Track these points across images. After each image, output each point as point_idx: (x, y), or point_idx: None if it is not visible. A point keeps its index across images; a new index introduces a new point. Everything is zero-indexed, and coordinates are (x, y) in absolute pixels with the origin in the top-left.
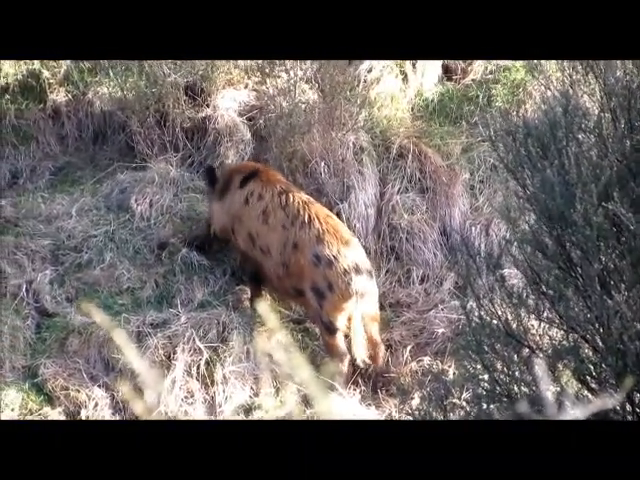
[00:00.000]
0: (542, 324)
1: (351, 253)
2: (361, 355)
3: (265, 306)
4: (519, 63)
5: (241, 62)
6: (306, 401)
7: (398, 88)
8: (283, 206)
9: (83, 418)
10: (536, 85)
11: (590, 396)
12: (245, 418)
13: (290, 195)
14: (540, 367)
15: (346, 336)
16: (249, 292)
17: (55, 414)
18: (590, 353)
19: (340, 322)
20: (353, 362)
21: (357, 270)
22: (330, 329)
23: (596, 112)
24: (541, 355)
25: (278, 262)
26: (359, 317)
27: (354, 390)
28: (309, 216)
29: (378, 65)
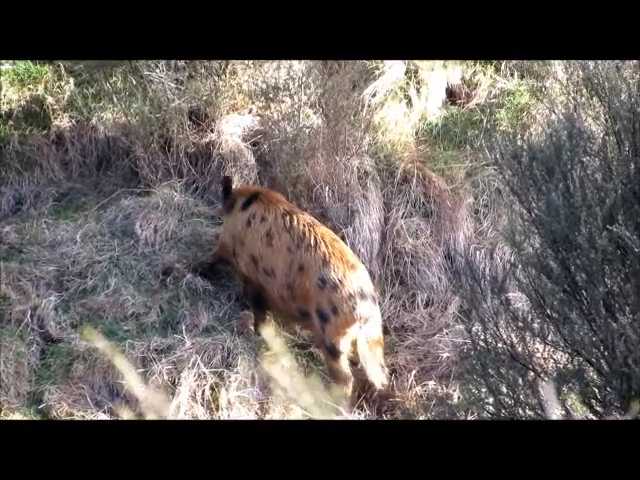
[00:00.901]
0: (547, 347)
1: (356, 278)
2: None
3: (270, 331)
4: (523, 87)
5: (245, 87)
6: None
7: (402, 112)
8: (288, 228)
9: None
10: (540, 109)
11: (595, 419)
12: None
13: (294, 217)
14: (545, 391)
15: (354, 363)
16: (253, 317)
17: None
18: (595, 376)
19: (343, 346)
20: (359, 386)
21: (362, 295)
22: (333, 353)
23: (601, 135)
24: (546, 379)
25: (283, 284)
26: (364, 342)
27: (359, 414)
28: (315, 239)
29: (382, 89)
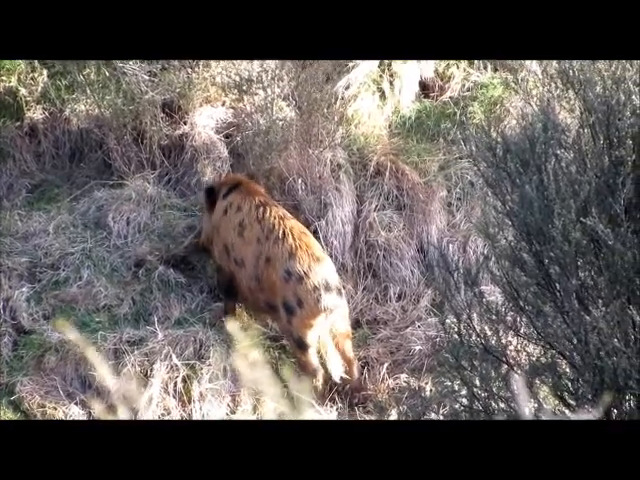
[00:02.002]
0: (520, 340)
1: (322, 270)
2: (337, 371)
3: (236, 324)
4: (496, 80)
5: (218, 79)
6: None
7: (375, 105)
8: (259, 219)
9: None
10: (514, 102)
11: (567, 412)
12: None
13: (267, 208)
14: (517, 384)
15: (320, 354)
16: (223, 307)
17: None
18: (567, 369)
19: (310, 338)
20: (329, 379)
21: (327, 287)
22: (300, 345)
23: (575, 128)
24: (519, 371)
25: (251, 275)
26: (328, 334)
27: (331, 407)
28: (283, 231)
29: (355, 82)
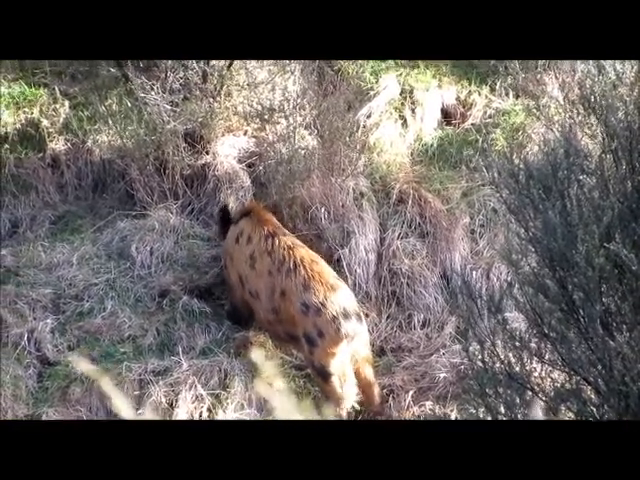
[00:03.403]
0: (544, 366)
1: (338, 299)
2: (350, 399)
3: (260, 353)
4: (518, 106)
5: (240, 109)
6: None
7: (397, 133)
8: (269, 251)
9: None
10: (536, 128)
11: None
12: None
13: (276, 239)
14: (534, 411)
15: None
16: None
17: None
18: (592, 395)
19: (333, 367)
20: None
21: (345, 315)
22: (323, 374)
23: (597, 153)
24: (543, 398)
25: (268, 308)
26: (348, 360)
27: None
28: (294, 262)
29: (377, 110)
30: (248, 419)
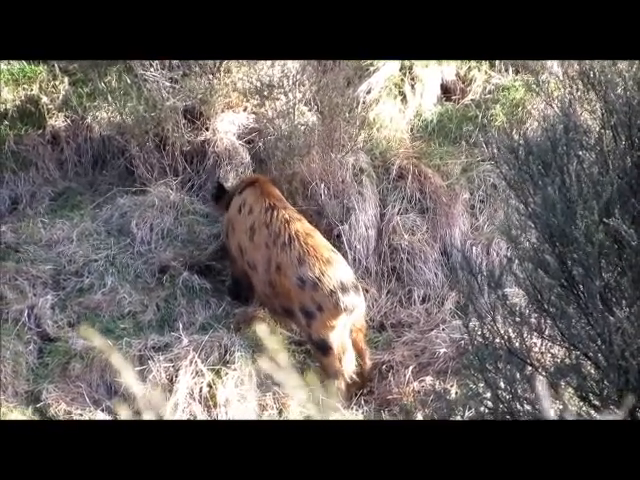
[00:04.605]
0: (544, 342)
1: (334, 272)
2: (350, 371)
3: (264, 328)
4: (518, 82)
5: (239, 85)
6: None
7: (397, 109)
8: (267, 224)
9: None
10: (535, 104)
11: (592, 413)
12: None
13: (275, 212)
14: (540, 386)
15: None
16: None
17: None
18: (592, 370)
19: (332, 339)
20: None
21: (343, 288)
22: (322, 347)
23: (597, 129)
24: (543, 373)
25: (265, 281)
26: (347, 333)
27: (357, 410)
28: (289, 236)
29: (376, 86)
30: (246, 419)
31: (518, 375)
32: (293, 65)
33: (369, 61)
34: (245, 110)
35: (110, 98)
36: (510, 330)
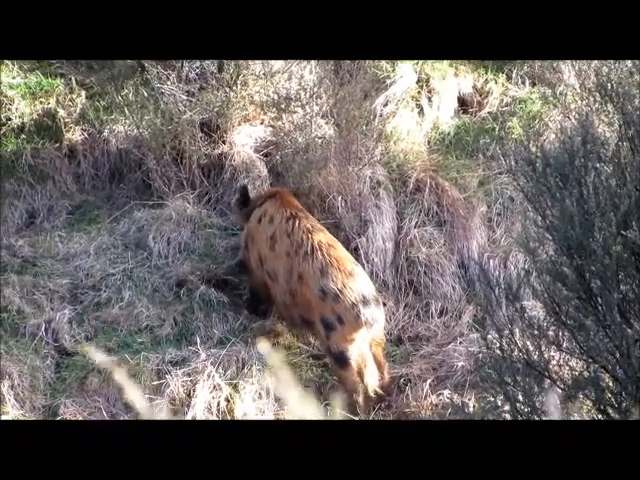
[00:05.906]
0: (562, 354)
1: (356, 285)
2: (373, 385)
3: (266, 345)
4: (535, 94)
5: (256, 98)
6: None
7: (414, 122)
8: (289, 233)
9: None
10: (552, 116)
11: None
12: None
13: (297, 221)
14: (550, 400)
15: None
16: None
17: None
18: (610, 383)
19: (351, 353)
20: (365, 392)
21: (364, 301)
22: (341, 360)
23: (614, 141)
24: (562, 386)
25: (285, 290)
26: (367, 347)
27: None
28: (312, 246)
29: (393, 99)
30: (255, 419)
31: (536, 388)
32: (310, 78)
33: (386, 73)
34: (262, 123)
35: (127, 111)
36: (528, 343)
